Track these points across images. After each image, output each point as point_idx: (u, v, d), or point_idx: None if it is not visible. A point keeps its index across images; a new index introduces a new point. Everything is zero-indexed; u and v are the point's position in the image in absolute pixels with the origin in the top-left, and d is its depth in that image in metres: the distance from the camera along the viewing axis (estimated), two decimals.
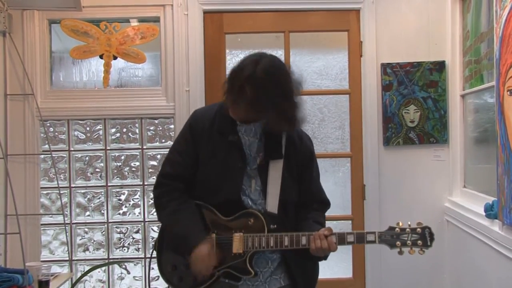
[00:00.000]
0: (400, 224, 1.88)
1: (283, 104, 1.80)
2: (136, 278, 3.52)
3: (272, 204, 1.91)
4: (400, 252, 1.86)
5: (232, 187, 1.91)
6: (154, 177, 3.45)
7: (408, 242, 1.85)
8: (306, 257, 1.90)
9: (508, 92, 2.25)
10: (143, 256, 3.48)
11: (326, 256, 1.93)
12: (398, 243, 1.85)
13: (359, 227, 3.41)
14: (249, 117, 1.87)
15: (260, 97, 1.76)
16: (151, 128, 3.50)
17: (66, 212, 3.40)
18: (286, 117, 1.84)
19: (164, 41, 3.42)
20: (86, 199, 3.50)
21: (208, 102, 3.37)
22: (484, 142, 3.03)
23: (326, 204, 2.10)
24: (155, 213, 3.45)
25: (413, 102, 3.40)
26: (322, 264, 2.07)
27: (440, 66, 3.39)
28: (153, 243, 2.12)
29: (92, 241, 3.50)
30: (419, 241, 1.84)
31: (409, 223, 1.88)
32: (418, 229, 1.85)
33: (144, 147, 3.49)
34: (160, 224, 2.11)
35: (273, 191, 1.91)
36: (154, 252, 2.04)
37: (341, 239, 1.85)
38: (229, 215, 1.91)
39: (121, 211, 3.51)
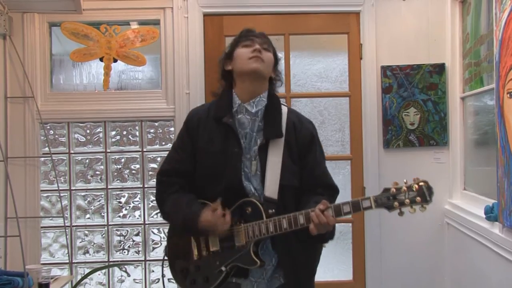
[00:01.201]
0: (396, 184, 1.75)
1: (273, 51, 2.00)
2: (136, 281, 3.51)
3: (271, 189, 1.88)
4: (400, 213, 1.72)
5: (232, 173, 1.90)
6: (155, 180, 3.45)
7: (407, 200, 1.71)
8: (311, 241, 1.86)
9: (508, 95, 2.25)
10: (143, 259, 3.47)
11: (331, 234, 1.87)
12: (396, 204, 1.72)
13: (359, 229, 3.41)
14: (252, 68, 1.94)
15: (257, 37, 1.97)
16: (151, 130, 3.50)
17: (66, 215, 3.40)
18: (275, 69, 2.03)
19: (164, 43, 3.42)
20: (86, 201, 3.50)
21: None
22: (484, 144, 3.03)
23: (332, 189, 2.02)
24: (155, 216, 3.48)
25: (413, 104, 3.40)
26: (322, 266, 2.06)
27: (440, 69, 3.39)
28: (164, 249, 2.12)
29: (92, 243, 3.49)
30: (417, 198, 1.70)
31: (404, 180, 1.75)
32: (415, 186, 1.72)
33: (144, 149, 3.49)
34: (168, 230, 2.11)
35: (272, 175, 1.89)
36: (156, 257, 2.05)
37: (338, 211, 1.79)
38: (231, 204, 1.89)
39: (121, 214, 3.51)
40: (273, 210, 1.86)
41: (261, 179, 1.91)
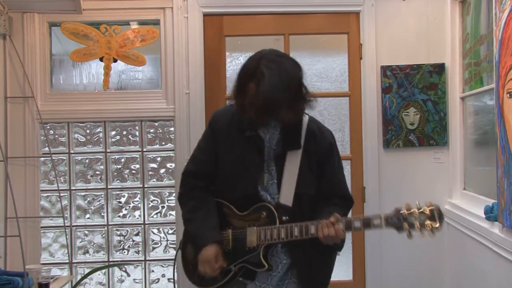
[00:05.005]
0: (408, 205, 1.79)
1: (293, 99, 1.81)
2: (136, 281, 3.51)
3: (286, 197, 1.91)
4: (409, 236, 1.76)
5: (249, 182, 1.93)
6: (154, 180, 3.47)
7: (417, 224, 1.74)
8: (320, 250, 1.89)
9: (508, 95, 2.25)
10: (143, 259, 3.48)
11: (339, 246, 1.90)
12: (406, 225, 1.75)
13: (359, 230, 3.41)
14: (261, 118, 1.85)
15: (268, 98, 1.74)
16: (151, 130, 3.50)
17: (66, 215, 3.40)
18: (296, 110, 1.86)
19: (164, 43, 3.42)
20: (86, 201, 3.50)
21: (208, 104, 3.38)
22: (484, 144, 3.03)
23: (347, 199, 2.05)
24: (155, 216, 3.49)
25: (413, 104, 3.41)
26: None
27: (439, 69, 3.39)
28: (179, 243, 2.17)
29: (92, 243, 3.49)
30: (427, 222, 1.73)
31: (417, 203, 1.78)
32: (426, 210, 1.76)
33: (144, 149, 3.49)
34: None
35: (288, 183, 1.92)
36: (169, 252, 2.06)
37: (348, 225, 1.82)
38: (247, 209, 1.95)
39: (121, 214, 3.51)
40: (287, 217, 1.88)
41: (277, 187, 1.93)
